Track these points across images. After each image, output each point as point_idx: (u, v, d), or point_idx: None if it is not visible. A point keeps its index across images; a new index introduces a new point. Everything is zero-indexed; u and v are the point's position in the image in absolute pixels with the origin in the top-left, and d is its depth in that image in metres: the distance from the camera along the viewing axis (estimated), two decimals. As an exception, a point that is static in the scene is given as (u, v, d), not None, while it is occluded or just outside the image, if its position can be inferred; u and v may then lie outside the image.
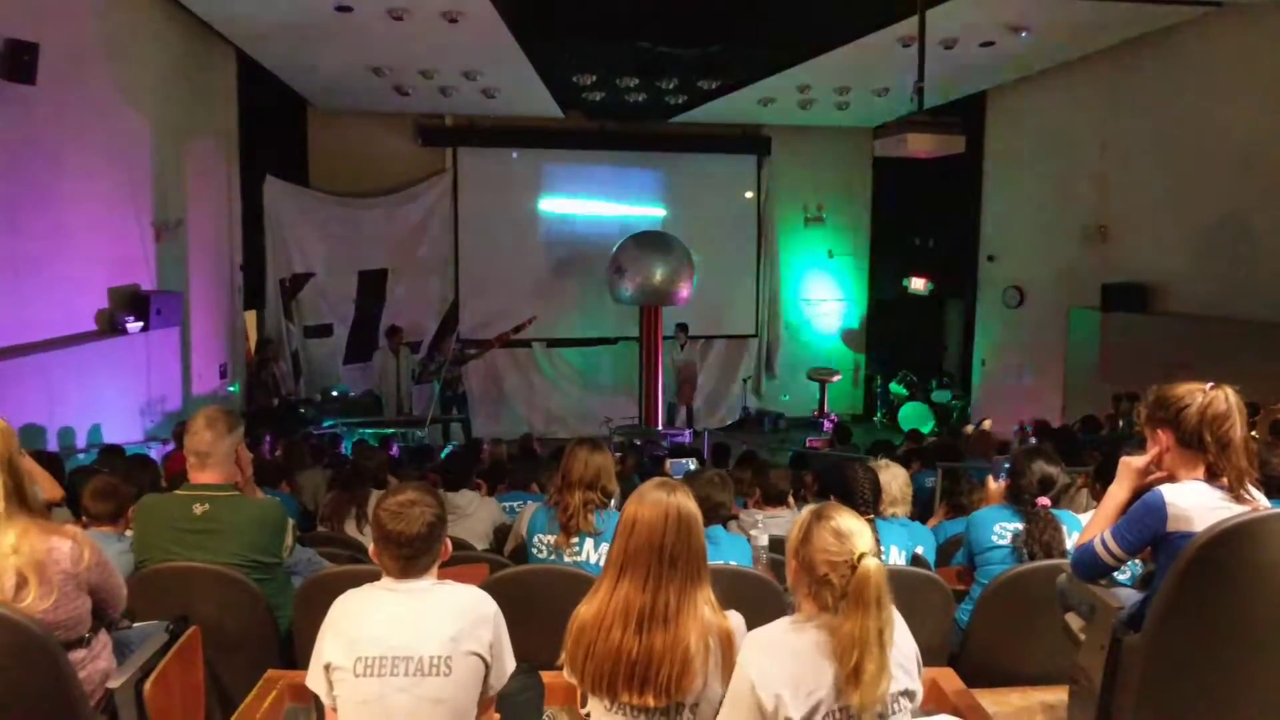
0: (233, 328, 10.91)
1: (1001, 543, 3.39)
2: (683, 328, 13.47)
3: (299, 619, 3.12)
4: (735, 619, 2.20)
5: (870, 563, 1.94)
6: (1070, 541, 3.33)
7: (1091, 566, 2.52)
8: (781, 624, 2.05)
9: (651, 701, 2.08)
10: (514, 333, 12.67)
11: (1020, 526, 3.39)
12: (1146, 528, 2.38)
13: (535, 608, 2.75)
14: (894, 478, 4.04)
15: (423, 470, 6.99)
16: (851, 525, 2.01)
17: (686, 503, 2.18)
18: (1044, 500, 3.40)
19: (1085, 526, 2.68)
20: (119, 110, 8.06)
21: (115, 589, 2.57)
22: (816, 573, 1.99)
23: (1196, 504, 2.33)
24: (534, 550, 3.63)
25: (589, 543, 3.50)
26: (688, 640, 2.09)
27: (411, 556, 2.24)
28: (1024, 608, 3.16)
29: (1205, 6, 8.63)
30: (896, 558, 3.59)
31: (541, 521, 3.65)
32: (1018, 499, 3.47)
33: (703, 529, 2.21)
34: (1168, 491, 2.37)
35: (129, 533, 3.39)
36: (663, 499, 2.17)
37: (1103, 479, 4.25)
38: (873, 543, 2.01)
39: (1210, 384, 2.40)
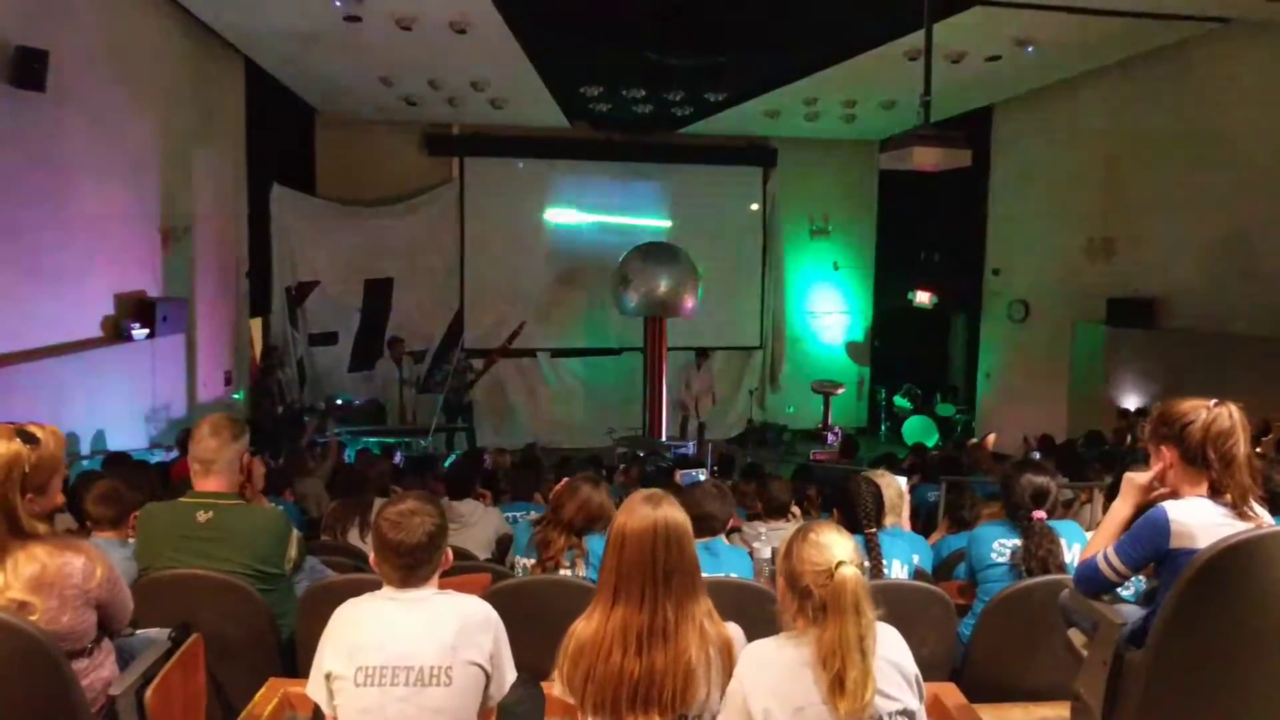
0: (238, 335, 10.91)
1: (1000, 560, 3.38)
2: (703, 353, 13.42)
3: (301, 627, 3.11)
4: (734, 628, 2.20)
5: (847, 570, 1.96)
6: (1070, 554, 3.32)
7: (1094, 582, 2.51)
8: (776, 638, 2.07)
9: (657, 719, 2.08)
10: (509, 342, 12.69)
11: (1019, 543, 3.37)
12: (1150, 544, 2.38)
13: (537, 618, 2.74)
14: (887, 486, 4.04)
15: (425, 479, 6.99)
16: (832, 538, 2.03)
17: (674, 514, 2.16)
18: (1039, 514, 3.39)
19: (1089, 542, 2.67)
20: (127, 117, 8.09)
21: (123, 604, 2.57)
22: (800, 584, 2.02)
23: (1200, 521, 2.32)
24: (516, 571, 3.63)
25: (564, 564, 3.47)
26: (688, 653, 2.09)
27: (412, 566, 2.24)
28: (1026, 623, 3.15)
29: (1212, 22, 8.63)
30: (899, 572, 3.57)
31: (523, 544, 3.64)
32: (1013, 515, 3.46)
33: (693, 539, 2.20)
34: (1171, 508, 2.37)
35: (132, 539, 3.39)
36: (649, 513, 2.14)
37: (1114, 497, 4.23)
38: (853, 553, 2.02)
39: (1214, 400, 2.40)
